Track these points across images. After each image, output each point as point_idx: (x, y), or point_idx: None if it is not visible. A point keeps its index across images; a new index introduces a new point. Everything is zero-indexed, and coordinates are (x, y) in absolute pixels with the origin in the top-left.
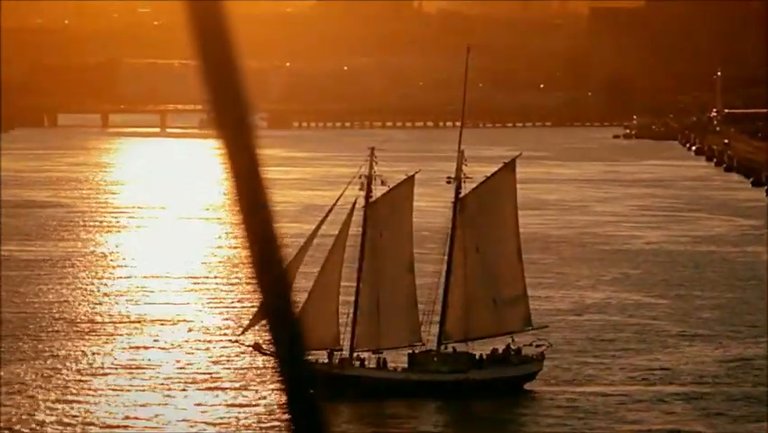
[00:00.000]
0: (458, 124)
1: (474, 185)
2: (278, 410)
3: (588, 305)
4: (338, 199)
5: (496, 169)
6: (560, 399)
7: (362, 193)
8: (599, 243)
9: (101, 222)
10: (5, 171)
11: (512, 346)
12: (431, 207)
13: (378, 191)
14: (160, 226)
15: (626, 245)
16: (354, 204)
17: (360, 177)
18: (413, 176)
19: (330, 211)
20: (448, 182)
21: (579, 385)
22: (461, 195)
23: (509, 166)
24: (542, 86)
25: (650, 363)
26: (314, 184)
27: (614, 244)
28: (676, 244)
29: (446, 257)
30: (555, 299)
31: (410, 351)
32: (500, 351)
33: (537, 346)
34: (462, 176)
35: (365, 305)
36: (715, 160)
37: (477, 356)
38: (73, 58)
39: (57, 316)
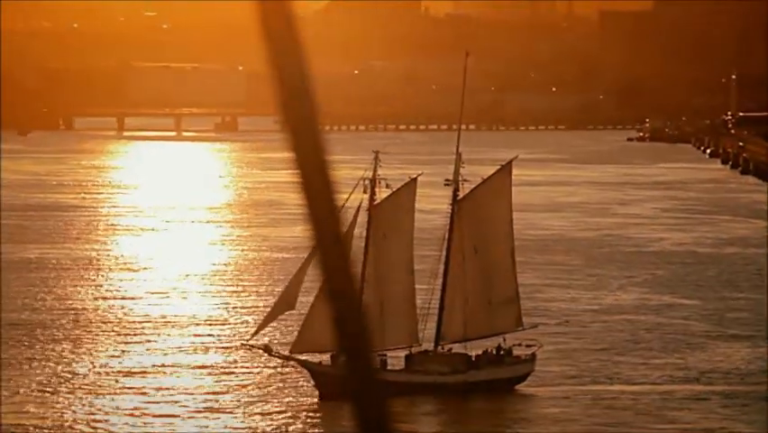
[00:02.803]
0: (471, 127)
1: (472, 187)
2: (294, 414)
3: (619, 305)
4: (345, 203)
5: (505, 171)
6: (596, 398)
7: (366, 196)
8: (625, 244)
9: (124, 225)
10: (27, 175)
11: (503, 346)
12: (440, 209)
13: (383, 194)
14: (178, 229)
15: (651, 247)
16: (359, 207)
17: (364, 180)
18: (415, 178)
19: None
20: (446, 184)
21: (614, 384)
22: (459, 197)
23: (505, 169)
24: (554, 89)
25: (685, 363)
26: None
27: (639, 246)
28: (701, 246)
29: (444, 258)
30: (586, 300)
31: (407, 352)
32: (491, 351)
33: (528, 347)
34: (460, 178)
35: (368, 306)
36: (730, 163)
37: (473, 357)
38: (83, 62)
39: (80, 317)
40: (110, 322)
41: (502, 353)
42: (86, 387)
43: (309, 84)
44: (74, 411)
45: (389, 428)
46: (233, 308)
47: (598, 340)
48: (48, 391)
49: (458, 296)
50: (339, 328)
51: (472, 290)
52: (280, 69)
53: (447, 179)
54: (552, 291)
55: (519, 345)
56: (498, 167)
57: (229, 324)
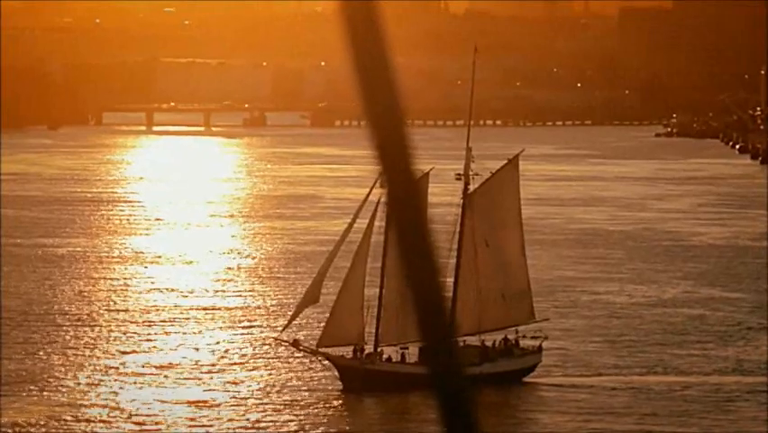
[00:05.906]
0: (498, 122)
1: (481, 181)
2: (320, 408)
3: (666, 299)
4: (366, 197)
5: (512, 165)
6: (650, 389)
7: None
8: (665, 238)
9: (154, 219)
10: (63, 169)
11: (509, 339)
12: (456, 202)
13: None
14: (209, 223)
15: (690, 241)
16: (378, 201)
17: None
18: (428, 172)
19: (360, 209)
20: (458, 179)
21: (659, 375)
22: (469, 191)
23: (513, 162)
24: (579, 85)
25: (737, 355)
26: (363, 181)
27: (680, 240)
28: (741, 240)
29: (456, 251)
30: (632, 294)
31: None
32: (499, 343)
33: (534, 339)
34: (471, 172)
35: (389, 300)
36: (760, 158)
37: (486, 349)
38: (108, 57)
39: (113, 311)
40: (140, 313)
41: (509, 345)
42: (121, 377)
43: (395, 79)
44: (100, 404)
45: (473, 418)
46: (266, 302)
47: (644, 332)
48: (83, 382)
49: (471, 289)
50: (422, 320)
51: (485, 283)
52: (365, 67)
53: (458, 174)
54: (595, 284)
55: (524, 336)
56: (506, 162)
57: (261, 318)
